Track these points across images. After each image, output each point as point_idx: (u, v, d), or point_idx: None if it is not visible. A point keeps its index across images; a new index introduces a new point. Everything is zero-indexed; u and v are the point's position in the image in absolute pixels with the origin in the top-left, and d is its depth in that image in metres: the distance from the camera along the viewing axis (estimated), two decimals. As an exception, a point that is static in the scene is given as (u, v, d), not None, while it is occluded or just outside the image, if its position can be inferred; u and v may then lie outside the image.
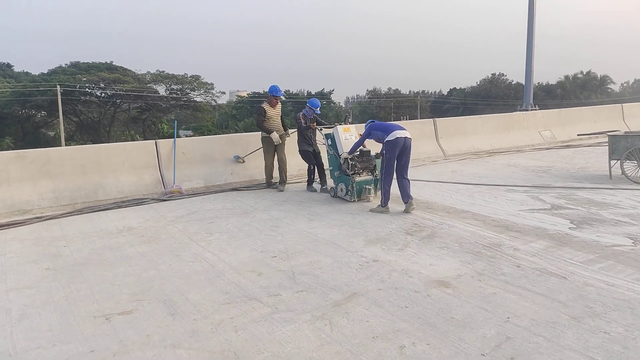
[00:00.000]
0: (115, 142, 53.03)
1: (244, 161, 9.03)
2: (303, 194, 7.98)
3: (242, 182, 8.84)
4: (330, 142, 7.68)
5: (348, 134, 7.64)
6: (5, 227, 6.44)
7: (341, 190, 7.47)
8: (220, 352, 3.16)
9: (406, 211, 6.51)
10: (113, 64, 54.76)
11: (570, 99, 77.98)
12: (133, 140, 54.76)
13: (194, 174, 8.55)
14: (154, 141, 8.35)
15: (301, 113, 8.27)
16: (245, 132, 52.64)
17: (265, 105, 8.34)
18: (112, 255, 5.20)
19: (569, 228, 5.51)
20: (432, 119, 11.51)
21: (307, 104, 8.31)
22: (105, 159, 7.85)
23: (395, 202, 6.86)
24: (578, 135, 11.68)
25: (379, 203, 6.72)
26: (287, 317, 3.61)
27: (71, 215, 6.99)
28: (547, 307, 3.61)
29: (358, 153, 7.39)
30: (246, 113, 64.67)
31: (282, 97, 8.81)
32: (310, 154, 8.26)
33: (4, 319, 3.76)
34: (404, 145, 6.55)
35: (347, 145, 7.41)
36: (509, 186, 7.91)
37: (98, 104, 51.32)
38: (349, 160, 7.26)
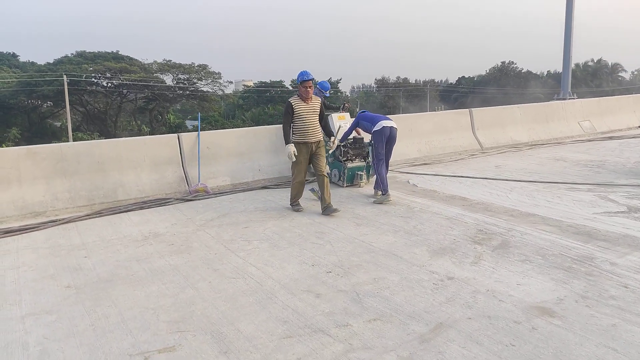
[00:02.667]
0: (122, 132, 52.79)
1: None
2: (336, 193, 7.27)
3: (270, 179, 8.14)
4: None
5: (342, 122, 7.93)
6: (18, 232, 5.79)
7: (334, 175, 7.76)
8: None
9: (377, 202, 6.57)
10: (119, 53, 54.13)
11: (580, 87, 76.66)
12: (140, 130, 54.30)
13: (219, 170, 7.86)
14: (176, 135, 7.65)
15: None
16: (253, 122, 51.90)
17: (295, 100, 6.21)
18: (141, 268, 4.53)
19: (663, 236, 4.79)
20: (468, 110, 10.74)
21: (317, 86, 8.04)
22: (124, 155, 7.17)
23: (419, 194, 6.15)
24: None
25: (377, 191, 6.81)
26: (368, 359, 2.93)
27: (89, 218, 6.32)
28: (692, 347, 2.91)
29: (351, 140, 7.59)
30: (253, 103, 63.88)
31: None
32: None
33: (20, 357, 3.10)
34: (390, 134, 6.73)
35: (341, 132, 7.55)
36: (568, 184, 7.17)
37: (104, 94, 50.71)
38: (342, 147, 7.48)
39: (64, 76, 43.37)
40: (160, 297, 3.88)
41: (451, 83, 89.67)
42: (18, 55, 60.26)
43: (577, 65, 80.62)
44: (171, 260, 4.70)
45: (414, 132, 9.81)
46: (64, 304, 3.84)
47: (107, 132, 49.80)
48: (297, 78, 6.26)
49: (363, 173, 7.63)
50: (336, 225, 5.62)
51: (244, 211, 6.40)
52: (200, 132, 7.74)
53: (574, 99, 13.04)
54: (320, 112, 6.35)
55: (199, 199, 7.11)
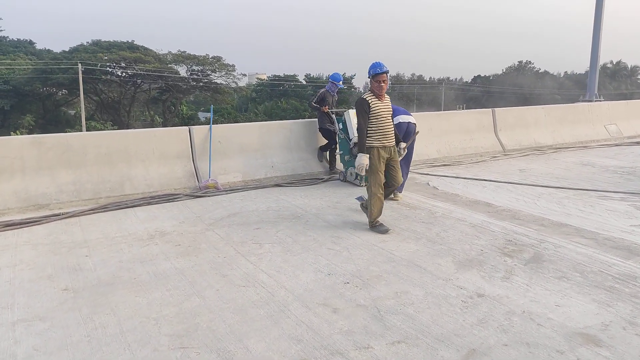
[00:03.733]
0: (135, 122, 52.77)
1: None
2: (349, 191, 6.91)
3: (284, 177, 7.81)
4: (341, 126, 7.50)
5: None
6: (19, 226, 5.52)
7: (351, 174, 7.46)
8: None
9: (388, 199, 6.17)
10: (134, 43, 54.01)
11: (599, 89, 75.32)
12: (153, 121, 54.26)
13: (230, 166, 7.54)
14: (187, 128, 7.34)
15: (325, 89, 7.96)
16: (266, 116, 51.60)
17: (369, 96, 5.18)
18: (145, 271, 4.22)
19: None
20: (490, 109, 10.31)
21: (329, 79, 8.01)
22: (133, 147, 6.88)
23: (440, 198, 5.78)
24: None
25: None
26: (393, 390, 2.59)
27: (94, 213, 6.04)
28: None
29: None
30: (266, 96, 63.58)
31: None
32: (332, 133, 7.90)
33: (7, 371, 2.81)
34: (407, 129, 6.46)
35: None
36: (598, 191, 6.75)
37: (118, 84, 50.69)
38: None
39: (79, 64, 43.35)
40: (163, 306, 3.57)
41: (466, 82, 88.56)
42: (35, 43, 60.41)
43: (596, 67, 79.29)
44: (177, 263, 4.39)
45: (434, 132, 9.41)
46: (60, 309, 3.55)
47: (120, 122, 49.84)
48: (369, 71, 5.19)
49: None
50: (354, 230, 5.28)
51: (256, 211, 6.07)
52: (212, 126, 7.42)
53: (600, 101, 12.54)
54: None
55: (209, 196, 6.80)
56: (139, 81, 51.24)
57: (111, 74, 50.30)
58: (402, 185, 6.51)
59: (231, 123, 50.99)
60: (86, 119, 45.28)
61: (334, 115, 7.66)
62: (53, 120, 47.63)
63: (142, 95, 53.92)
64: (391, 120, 5.35)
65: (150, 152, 6.98)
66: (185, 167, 7.20)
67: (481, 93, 78.53)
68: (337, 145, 7.89)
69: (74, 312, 3.49)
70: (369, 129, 5.16)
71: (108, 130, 45.57)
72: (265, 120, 51.42)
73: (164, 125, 52.31)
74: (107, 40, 53.09)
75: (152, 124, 54.12)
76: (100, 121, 50.19)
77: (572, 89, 78.63)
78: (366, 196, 5.43)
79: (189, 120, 55.84)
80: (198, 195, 6.79)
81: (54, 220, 5.73)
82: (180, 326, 3.28)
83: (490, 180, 7.53)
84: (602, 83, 76.97)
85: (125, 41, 54.44)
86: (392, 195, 6.33)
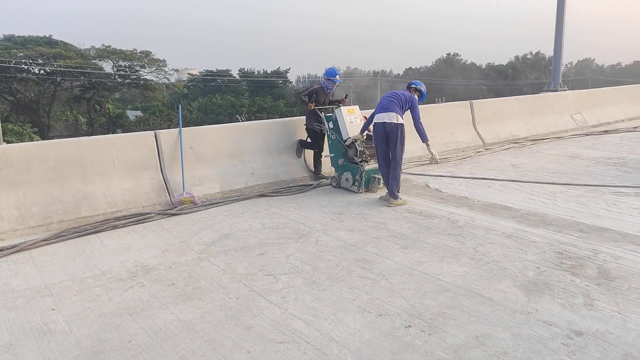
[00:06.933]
0: (56, 122, 48.91)
1: None
2: (346, 198, 6.13)
3: (266, 185, 6.87)
4: (331, 126, 6.68)
5: (353, 117, 6.64)
6: (-51, 269, 4.26)
7: (346, 180, 6.59)
8: None
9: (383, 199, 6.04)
10: (52, 37, 50.03)
11: (520, 79, 78.98)
12: (77, 121, 50.60)
13: (205, 175, 6.50)
14: (153, 132, 6.21)
15: (319, 85, 7.14)
16: (201, 112, 49.53)
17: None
18: (140, 329, 3.22)
19: None
20: (469, 102, 9.84)
21: (324, 76, 7.15)
22: (89, 159, 5.69)
23: (449, 202, 5.17)
24: None
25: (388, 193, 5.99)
26: None
27: (48, 244, 4.85)
28: None
29: (364, 137, 6.53)
30: (199, 92, 61.23)
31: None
32: (317, 135, 7.07)
33: None
34: (384, 130, 5.90)
35: (352, 129, 6.52)
36: (607, 187, 6.37)
37: (36, 82, 46.63)
38: (357, 146, 6.38)
39: (-8, 62, 39.38)
40: (184, 385, 2.62)
41: (398, 74, 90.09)
42: None
43: (516, 57, 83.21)
44: (180, 313, 3.41)
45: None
46: (36, 405, 2.50)
47: (40, 123, 46.02)
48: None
49: (379, 176, 6.46)
50: (377, 249, 4.49)
51: (250, 230, 5.13)
52: (182, 129, 6.35)
53: (564, 90, 12.51)
54: None
55: (186, 213, 5.76)
56: (59, 79, 47.51)
57: (27, 71, 46.25)
58: (397, 188, 5.84)
59: (163, 121, 48.53)
60: (2, 122, 41.26)
61: (322, 114, 6.79)
62: (-39, 124, 42.95)
63: (63, 94, 49.99)
64: None
65: (110, 163, 5.82)
66: (153, 180, 6.09)
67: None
68: (323, 147, 7.07)
69: (59, 409, 2.47)
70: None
71: (28, 132, 41.88)
72: (201, 118, 49.32)
73: (90, 126, 48.92)
74: (21, 35, 48.81)
75: (76, 125, 50.53)
76: (18, 123, 45.97)
77: (496, 78, 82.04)
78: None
79: (117, 119, 52.58)
80: (173, 213, 5.72)
81: (-3, 258, 4.51)
82: (220, 419, 2.35)
83: (492, 179, 6.99)
84: (524, 73, 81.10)
85: (42, 36, 50.29)
86: (386, 202, 5.92)
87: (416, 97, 6.18)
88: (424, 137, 6.10)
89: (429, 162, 6.44)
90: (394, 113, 5.84)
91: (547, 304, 3.37)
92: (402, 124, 5.86)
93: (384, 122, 5.89)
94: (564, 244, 4.45)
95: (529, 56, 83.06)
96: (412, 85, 6.27)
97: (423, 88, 6.32)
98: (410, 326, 3.15)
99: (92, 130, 47.00)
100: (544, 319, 3.19)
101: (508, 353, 2.82)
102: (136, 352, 2.95)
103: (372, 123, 6.13)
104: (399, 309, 3.37)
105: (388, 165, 5.97)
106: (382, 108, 5.98)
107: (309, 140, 7.17)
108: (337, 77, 7.01)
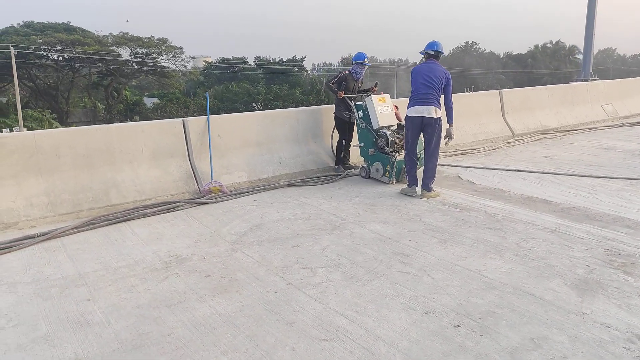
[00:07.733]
0: (75, 109, 49.25)
1: None
2: (377, 189, 5.98)
3: (294, 175, 6.75)
4: (361, 115, 6.51)
5: (383, 105, 6.44)
6: (-18, 256, 4.22)
7: (376, 170, 6.43)
8: None
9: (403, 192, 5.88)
10: (71, 24, 50.20)
11: (540, 68, 77.60)
12: (95, 107, 50.95)
13: (233, 164, 6.39)
14: (181, 120, 6.11)
15: (347, 71, 6.94)
16: (217, 100, 49.48)
17: None
18: (178, 321, 3.13)
19: None
20: (497, 91, 9.59)
21: (353, 60, 6.92)
22: (117, 146, 5.61)
23: (484, 195, 4.99)
24: None
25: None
26: None
27: (79, 232, 4.79)
28: None
29: (395, 126, 6.46)
30: (215, 80, 61.20)
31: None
32: (346, 124, 6.86)
33: None
34: (421, 123, 5.65)
35: (383, 118, 6.38)
36: (650, 181, 6.14)
37: (55, 68, 46.95)
38: (388, 136, 6.24)
39: (11, 48, 39.62)
40: (230, 384, 2.52)
41: (415, 62, 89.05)
42: (-43, 25, 54.93)
43: (536, 46, 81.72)
44: (218, 306, 3.31)
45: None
46: (79, 401, 2.42)
47: (58, 109, 46.42)
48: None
49: None
50: (414, 242, 4.34)
51: (282, 220, 5.02)
52: (210, 117, 6.24)
53: (595, 80, 12.14)
54: None
55: (214, 202, 5.67)
56: (77, 65, 47.76)
57: (46, 57, 46.55)
58: (432, 180, 5.66)
59: (180, 108, 48.49)
60: (21, 108, 41.63)
61: (352, 102, 6.61)
62: (-20, 110, 43.50)
63: (82, 81, 50.36)
64: None
65: (139, 150, 5.74)
66: (181, 168, 6.00)
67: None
68: (352, 137, 6.91)
69: (103, 406, 2.39)
70: None
71: (47, 118, 42.28)
72: (218, 105, 49.28)
73: (108, 112, 49.22)
74: (40, 21, 49.06)
75: (94, 111, 50.89)
76: (37, 109, 46.42)
77: (515, 68, 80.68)
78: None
79: (135, 106, 52.80)
80: (202, 201, 5.63)
81: (29, 245, 4.46)
82: (271, 421, 2.25)
83: (526, 171, 6.78)
84: (543, 62, 79.52)
85: (60, 22, 50.49)
86: (421, 194, 5.73)
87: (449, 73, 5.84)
88: (451, 119, 5.83)
89: (446, 139, 5.97)
90: (433, 107, 5.58)
91: (602, 305, 3.21)
92: (440, 118, 5.65)
93: (423, 116, 5.62)
94: (610, 241, 4.26)
95: (548, 45, 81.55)
96: (432, 51, 5.82)
97: (441, 48, 5.85)
98: (459, 326, 3.01)
99: (110, 117, 47.31)
100: (600, 320, 3.02)
101: (567, 357, 2.68)
102: (176, 346, 2.86)
103: (411, 115, 5.69)
104: (445, 307, 3.23)
105: (414, 156, 5.78)
106: (422, 100, 5.62)
107: (342, 141, 6.94)
108: (366, 60, 6.81)
